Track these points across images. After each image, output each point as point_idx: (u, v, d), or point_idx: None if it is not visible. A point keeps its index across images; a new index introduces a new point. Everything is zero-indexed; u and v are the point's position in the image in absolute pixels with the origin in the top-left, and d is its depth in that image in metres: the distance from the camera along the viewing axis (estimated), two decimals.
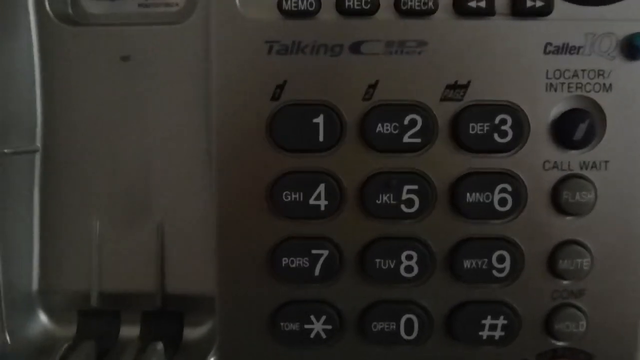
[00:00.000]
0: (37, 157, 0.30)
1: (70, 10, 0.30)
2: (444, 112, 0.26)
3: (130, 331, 0.31)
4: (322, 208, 0.26)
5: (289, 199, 0.26)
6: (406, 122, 0.26)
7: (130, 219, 0.30)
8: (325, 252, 0.27)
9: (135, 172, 0.30)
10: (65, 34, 0.29)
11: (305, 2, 0.26)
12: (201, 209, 0.29)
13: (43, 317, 0.31)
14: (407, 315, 0.27)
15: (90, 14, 0.30)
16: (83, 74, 0.29)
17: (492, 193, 0.26)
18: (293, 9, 0.26)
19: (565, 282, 0.27)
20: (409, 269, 0.27)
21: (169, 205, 0.30)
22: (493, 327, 0.27)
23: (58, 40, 0.29)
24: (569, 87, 0.26)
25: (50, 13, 0.30)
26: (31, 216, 0.30)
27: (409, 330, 0.27)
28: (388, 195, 0.26)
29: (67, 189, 0.30)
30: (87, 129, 0.30)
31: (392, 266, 0.27)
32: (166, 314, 0.30)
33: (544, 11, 0.26)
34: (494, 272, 0.27)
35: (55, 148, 0.30)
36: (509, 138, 0.26)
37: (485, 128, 0.26)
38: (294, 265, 0.27)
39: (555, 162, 0.26)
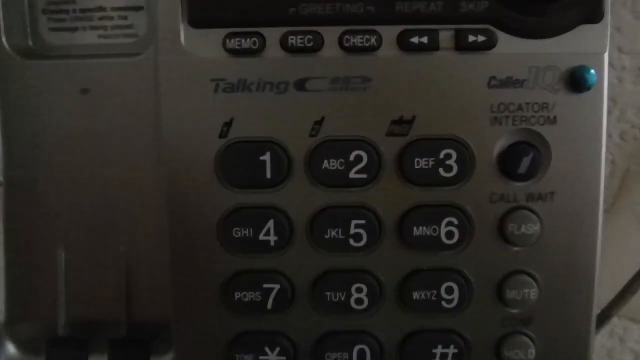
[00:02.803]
0: (0, 190, 0.30)
1: (30, 43, 0.31)
2: (389, 147, 0.26)
3: (98, 359, 0.31)
4: (272, 243, 0.27)
5: (239, 234, 0.27)
6: (352, 157, 0.26)
7: (95, 248, 0.30)
8: (277, 286, 0.27)
9: (98, 202, 0.30)
10: (24, 67, 0.30)
11: (249, 40, 0.26)
12: (166, 238, 0.28)
13: (11, 348, 0.31)
14: (359, 346, 0.27)
15: (51, 45, 0.31)
16: (43, 107, 0.30)
17: (439, 226, 0.26)
18: (237, 47, 0.26)
19: (513, 310, 0.27)
20: (359, 301, 0.27)
21: (134, 234, 0.30)
22: (444, 356, 0.27)
23: (17, 74, 0.30)
24: (513, 120, 0.26)
25: (7, 47, 0.30)
26: None
27: None
28: (336, 229, 0.27)
29: (31, 220, 0.30)
30: (49, 161, 0.30)
31: (342, 298, 0.27)
32: (133, 342, 0.31)
33: (487, 45, 0.26)
34: (443, 303, 0.27)
35: (17, 180, 0.30)
36: (454, 172, 0.26)
37: (430, 163, 0.26)
38: (246, 299, 0.27)
39: (502, 195, 0.27)
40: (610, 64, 0.37)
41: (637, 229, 0.41)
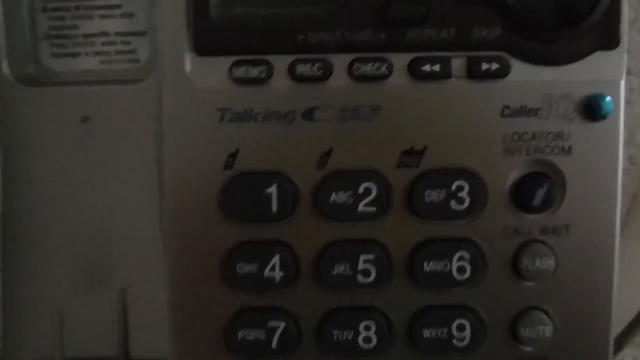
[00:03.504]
0: None
1: (31, 69, 0.30)
2: (399, 179, 0.25)
3: None
4: (277, 280, 0.26)
5: (243, 270, 0.26)
6: (361, 190, 0.25)
7: (91, 284, 0.30)
8: (282, 325, 0.26)
9: (96, 236, 0.29)
10: (24, 94, 0.29)
11: (256, 68, 0.25)
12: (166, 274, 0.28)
13: None
14: None
15: (52, 71, 0.30)
16: (42, 135, 0.29)
17: (450, 261, 0.26)
18: (244, 75, 0.25)
19: (528, 348, 0.26)
20: (367, 339, 0.26)
21: (131, 270, 0.29)
22: None
23: (17, 102, 0.29)
24: (527, 151, 0.25)
25: (8, 74, 0.29)
26: None
27: None
28: (344, 265, 0.26)
29: (28, 254, 0.30)
30: (48, 191, 0.29)
31: (349, 338, 0.26)
32: None
33: (500, 73, 0.25)
34: (455, 342, 0.26)
35: (14, 212, 0.29)
36: (466, 205, 0.25)
37: (442, 195, 0.25)
38: (250, 338, 0.26)
39: (515, 228, 0.26)
40: None
41: None
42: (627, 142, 0.39)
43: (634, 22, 0.37)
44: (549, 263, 0.26)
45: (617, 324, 0.35)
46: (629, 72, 0.37)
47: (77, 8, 0.30)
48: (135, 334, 0.30)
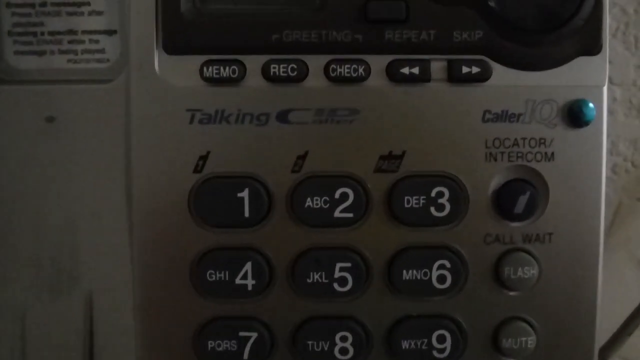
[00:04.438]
0: None
1: None
2: (377, 185, 0.25)
3: None
4: (250, 287, 0.25)
5: (214, 278, 0.25)
6: (337, 195, 0.25)
7: (56, 289, 0.29)
8: (254, 334, 0.25)
9: (61, 239, 0.28)
10: None
11: (228, 68, 0.24)
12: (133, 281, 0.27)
13: None
14: None
15: (16, 69, 0.29)
16: (5, 135, 0.28)
17: (430, 269, 0.25)
18: (215, 75, 0.24)
19: None
20: (343, 350, 0.25)
21: (98, 274, 0.28)
22: None
23: None
24: (509, 157, 0.25)
25: None
26: None
27: None
28: (319, 273, 0.25)
29: None
30: (9, 194, 0.28)
31: (325, 348, 0.25)
32: None
33: (482, 77, 0.25)
34: (435, 353, 0.25)
35: None
36: (446, 211, 0.25)
37: (421, 201, 0.25)
38: (220, 349, 0.25)
39: (497, 236, 0.25)
40: None
41: (631, 266, 0.40)
42: (611, 152, 0.39)
43: (617, 32, 0.37)
44: (531, 272, 0.25)
45: (602, 335, 0.35)
46: (611, 82, 0.38)
47: (43, 4, 0.29)
48: (100, 341, 0.28)
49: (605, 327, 0.35)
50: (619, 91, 0.39)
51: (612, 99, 0.39)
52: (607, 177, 0.39)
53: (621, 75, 0.38)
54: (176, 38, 0.25)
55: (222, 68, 0.24)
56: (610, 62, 0.37)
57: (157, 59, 0.25)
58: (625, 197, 0.39)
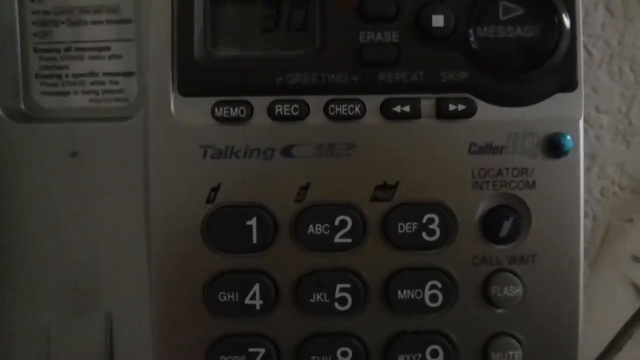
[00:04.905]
0: None
1: (22, 106, 0.31)
2: (373, 212, 0.27)
3: None
4: (258, 307, 0.27)
5: (225, 298, 0.27)
6: (337, 222, 0.27)
7: (77, 309, 0.30)
8: (262, 350, 0.27)
9: (83, 263, 0.30)
10: (15, 130, 0.30)
11: (237, 108, 0.26)
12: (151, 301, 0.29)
13: None
14: None
15: (43, 108, 0.31)
16: (32, 169, 0.30)
17: (423, 289, 0.27)
18: (225, 115, 0.26)
19: None
20: None
21: (117, 295, 0.30)
22: None
23: (8, 137, 0.30)
24: (494, 185, 0.27)
25: (0, 111, 0.30)
26: None
27: None
28: (321, 293, 0.27)
29: (16, 282, 0.30)
30: (37, 221, 0.30)
31: None
32: None
33: (467, 113, 0.27)
34: None
35: (3, 243, 0.30)
36: (437, 236, 0.27)
37: (414, 227, 0.27)
38: None
39: (484, 257, 0.27)
40: (589, 123, 0.39)
41: (621, 284, 0.41)
42: (599, 175, 0.40)
43: (602, 63, 0.39)
44: (516, 291, 0.27)
45: (593, 351, 0.36)
46: (598, 110, 0.39)
47: (67, 49, 0.31)
48: (120, 357, 0.30)
49: (596, 342, 0.37)
50: (606, 118, 0.40)
51: (599, 126, 0.40)
52: (595, 200, 0.41)
53: (607, 103, 0.39)
54: (190, 82, 0.26)
55: (231, 108, 0.26)
56: (596, 91, 0.39)
57: (173, 100, 0.27)
58: (613, 218, 0.40)
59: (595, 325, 0.37)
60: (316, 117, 0.27)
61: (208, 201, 0.27)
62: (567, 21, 0.26)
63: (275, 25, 0.27)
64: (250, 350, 0.27)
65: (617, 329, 0.37)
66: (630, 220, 0.40)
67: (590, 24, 0.38)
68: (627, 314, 0.37)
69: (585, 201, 0.39)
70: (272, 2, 0.27)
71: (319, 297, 0.27)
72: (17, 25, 0.31)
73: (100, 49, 0.31)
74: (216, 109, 0.26)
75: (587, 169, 0.40)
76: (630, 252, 0.40)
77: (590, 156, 0.39)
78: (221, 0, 0.27)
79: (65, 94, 0.31)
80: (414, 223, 0.27)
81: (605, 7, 0.38)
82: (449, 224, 0.27)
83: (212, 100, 0.27)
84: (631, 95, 0.39)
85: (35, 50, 0.31)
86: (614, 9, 0.38)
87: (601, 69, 0.39)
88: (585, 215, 0.40)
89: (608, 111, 0.40)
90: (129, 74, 0.31)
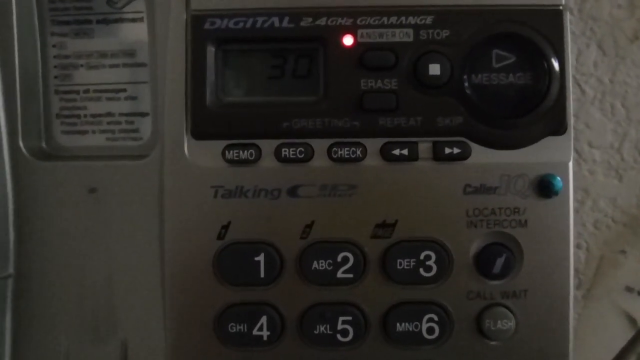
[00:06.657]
0: (10, 282, 0.32)
1: (44, 144, 0.33)
2: (374, 249, 0.28)
3: None
4: (265, 338, 0.28)
5: (234, 329, 0.28)
6: (339, 258, 0.28)
7: (95, 337, 0.32)
8: None
9: (100, 294, 0.31)
10: (37, 168, 0.32)
11: (246, 151, 0.28)
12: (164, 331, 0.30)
13: None
14: None
15: (63, 147, 0.33)
16: (53, 204, 0.32)
17: (420, 322, 0.28)
18: (235, 157, 0.28)
19: None
20: None
21: (133, 324, 0.31)
22: None
23: (30, 174, 0.32)
24: (487, 224, 0.28)
25: (23, 149, 0.32)
26: (3, 337, 0.32)
27: None
28: (324, 325, 0.28)
29: (37, 310, 0.32)
30: (57, 255, 0.32)
31: None
32: None
33: (462, 156, 0.28)
34: None
35: (26, 273, 0.32)
36: (433, 272, 0.28)
37: (412, 263, 0.28)
38: None
39: (478, 292, 0.28)
40: (582, 158, 0.40)
41: (614, 315, 0.42)
42: (592, 208, 0.41)
43: (594, 100, 0.40)
44: (509, 324, 0.28)
45: None
46: (590, 145, 0.41)
47: (86, 91, 0.33)
48: None
49: None
50: (598, 153, 0.40)
51: (592, 161, 0.41)
52: (589, 233, 0.42)
53: (600, 139, 0.40)
54: (202, 126, 0.28)
55: (241, 151, 0.28)
56: (589, 127, 0.41)
57: (187, 143, 0.28)
58: (607, 250, 0.41)
59: (589, 354, 0.38)
60: (320, 159, 0.28)
61: (219, 238, 0.28)
62: (556, 66, 0.28)
63: (281, 73, 0.29)
64: None
65: (611, 358, 0.37)
66: (623, 252, 0.41)
67: (583, 63, 0.39)
68: (620, 343, 0.38)
69: (579, 234, 0.40)
70: (279, 52, 0.29)
71: (322, 328, 0.28)
72: (40, 69, 0.33)
73: (116, 91, 0.32)
74: (227, 152, 0.28)
75: (581, 203, 0.41)
76: (623, 283, 0.41)
77: (584, 190, 0.41)
78: (232, 50, 0.29)
79: (83, 132, 0.33)
80: (412, 259, 0.28)
81: (597, 46, 0.39)
82: (445, 261, 0.28)
83: (223, 143, 0.28)
84: (623, 131, 0.40)
85: (56, 92, 0.33)
86: (605, 48, 0.39)
87: (594, 105, 0.40)
88: (579, 247, 0.41)
89: (601, 146, 0.40)
90: (143, 114, 0.32)
